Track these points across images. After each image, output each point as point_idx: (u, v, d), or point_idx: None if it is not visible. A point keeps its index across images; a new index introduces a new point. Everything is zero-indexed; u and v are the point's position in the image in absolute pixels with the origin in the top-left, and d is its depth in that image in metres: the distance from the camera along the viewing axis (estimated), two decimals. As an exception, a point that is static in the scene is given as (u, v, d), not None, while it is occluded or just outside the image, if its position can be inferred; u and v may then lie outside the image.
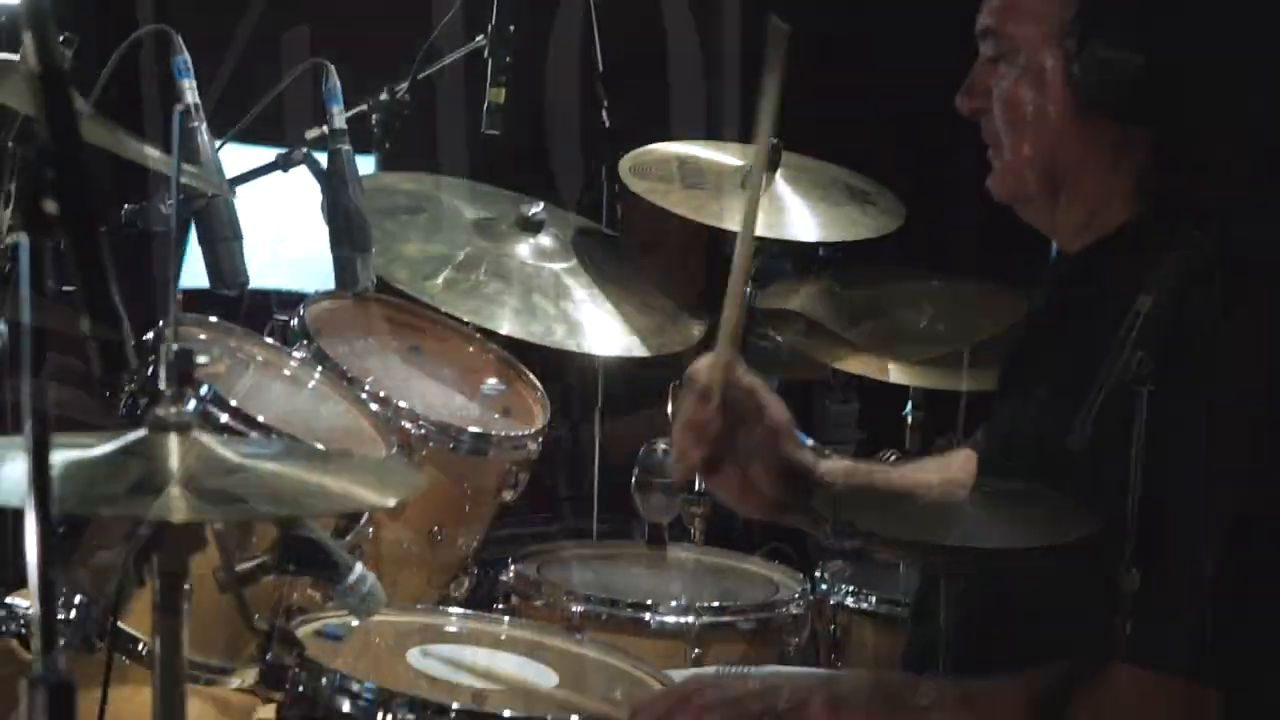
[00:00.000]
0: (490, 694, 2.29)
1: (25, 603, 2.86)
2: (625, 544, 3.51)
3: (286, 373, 2.78)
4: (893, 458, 3.32)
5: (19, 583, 2.76)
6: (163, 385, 1.83)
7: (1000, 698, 1.82)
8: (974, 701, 1.82)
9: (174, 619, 1.83)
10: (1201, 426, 1.82)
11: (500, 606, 3.11)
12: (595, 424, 4.34)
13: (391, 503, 1.83)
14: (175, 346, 1.83)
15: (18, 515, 2.75)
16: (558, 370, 4.40)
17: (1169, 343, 1.79)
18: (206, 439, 1.83)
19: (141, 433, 1.82)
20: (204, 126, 2.73)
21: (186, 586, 1.85)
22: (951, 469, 2.35)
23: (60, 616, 2.66)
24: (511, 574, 3.12)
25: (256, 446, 1.94)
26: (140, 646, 2.50)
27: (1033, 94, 2.02)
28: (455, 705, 2.16)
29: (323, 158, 3.04)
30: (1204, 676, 1.75)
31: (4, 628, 2.56)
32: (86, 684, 2.16)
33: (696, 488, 3.74)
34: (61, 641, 2.75)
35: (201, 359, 1.86)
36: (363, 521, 2.64)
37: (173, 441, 1.81)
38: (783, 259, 5.49)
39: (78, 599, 2.54)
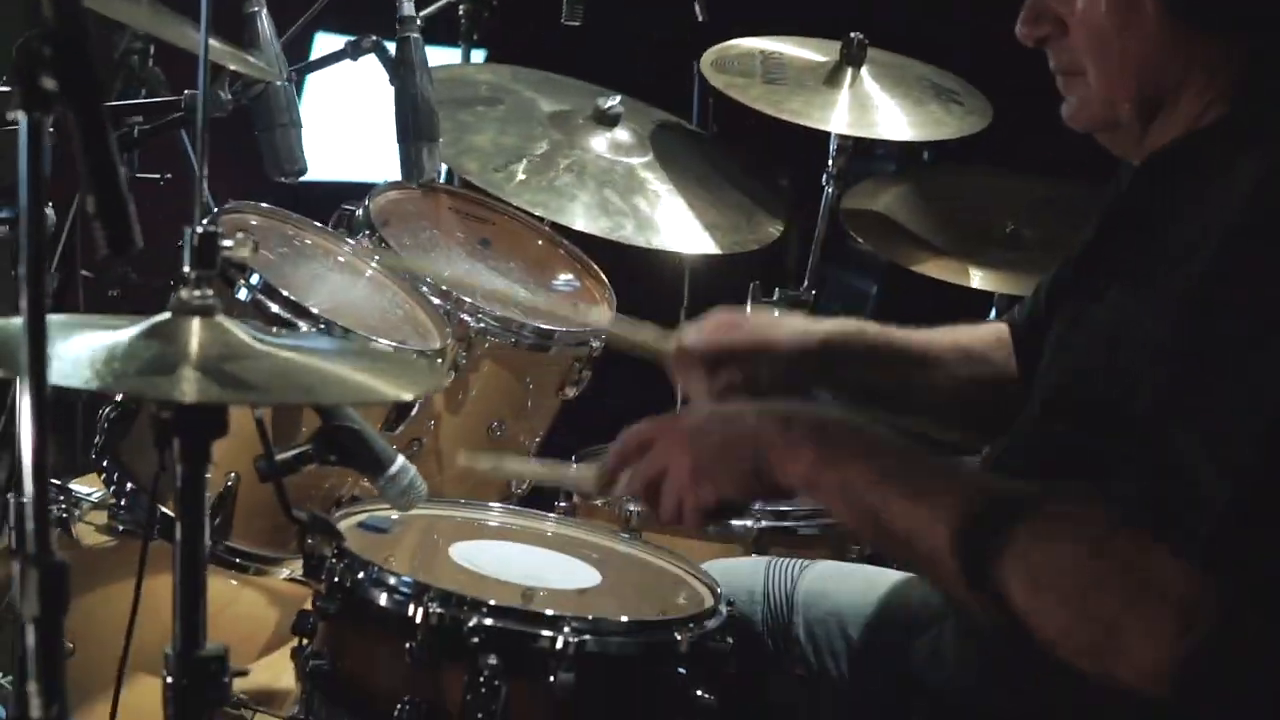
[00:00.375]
0: (527, 592, 2.26)
1: (88, 489, 2.88)
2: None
3: (342, 260, 2.75)
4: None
5: (86, 468, 2.78)
6: (186, 269, 1.81)
7: (1008, 500, 1.71)
8: (979, 492, 1.72)
9: (195, 504, 1.81)
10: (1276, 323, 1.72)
11: (562, 505, 3.09)
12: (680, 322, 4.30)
13: (409, 397, 1.79)
14: (199, 230, 1.80)
15: (84, 401, 2.77)
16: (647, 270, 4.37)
17: (1251, 238, 1.70)
18: (229, 323, 1.81)
19: (165, 315, 1.80)
20: (264, 12, 2.69)
21: (209, 474, 1.82)
22: (973, 332, 2.29)
23: (114, 503, 2.68)
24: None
25: (281, 333, 1.90)
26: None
27: (1118, 10, 1.87)
28: (491, 601, 2.13)
29: (392, 47, 2.99)
30: (1219, 566, 1.64)
31: (67, 513, 2.56)
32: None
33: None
34: (120, 528, 2.80)
35: (226, 242, 1.83)
36: (413, 413, 2.61)
37: (194, 324, 1.79)
38: (886, 160, 5.41)
39: (129, 486, 2.55)
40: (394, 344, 2.52)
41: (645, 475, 1.91)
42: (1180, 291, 1.71)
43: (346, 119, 3.97)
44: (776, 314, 3.31)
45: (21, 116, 1.45)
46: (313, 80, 3.35)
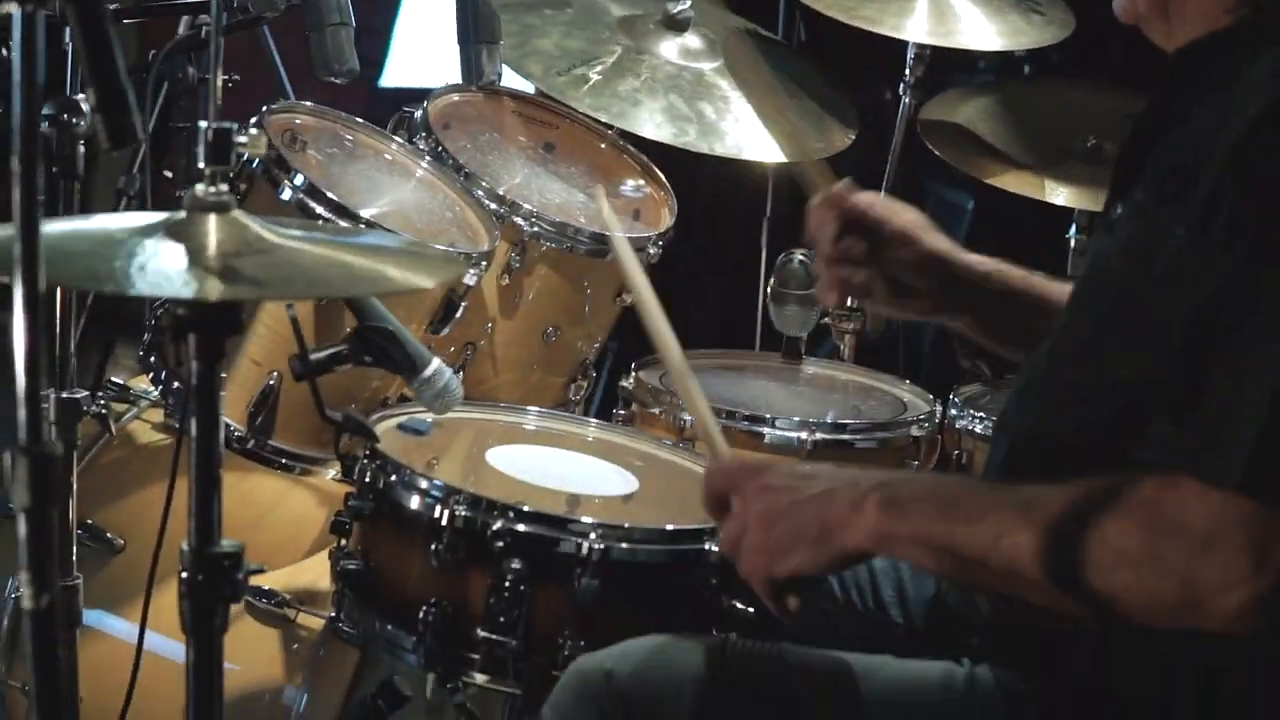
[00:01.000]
0: (571, 498, 2.26)
1: (144, 386, 2.90)
2: (759, 355, 3.43)
3: (389, 159, 2.74)
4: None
5: (143, 369, 2.79)
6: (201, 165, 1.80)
7: (1056, 502, 1.70)
8: (1029, 507, 1.71)
9: (209, 401, 1.81)
10: None
11: (621, 413, 3.07)
12: (763, 232, 4.26)
13: (431, 284, 1.77)
14: (213, 125, 1.79)
15: (150, 305, 2.75)
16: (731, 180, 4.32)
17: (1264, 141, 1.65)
18: (246, 219, 1.80)
19: (181, 213, 1.79)
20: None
21: (224, 374, 1.82)
22: None
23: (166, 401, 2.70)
24: (632, 380, 3.07)
25: (299, 228, 1.89)
26: (226, 430, 2.51)
27: None
28: (525, 506, 2.12)
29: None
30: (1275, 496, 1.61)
31: (106, 409, 2.57)
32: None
33: (848, 303, 3.68)
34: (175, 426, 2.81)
35: (240, 139, 1.82)
36: (459, 315, 2.60)
37: (210, 221, 1.78)
38: (986, 74, 5.31)
39: (175, 385, 2.56)
40: (442, 247, 2.50)
41: (729, 535, 1.88)
42: (1202, 196, 1.67)
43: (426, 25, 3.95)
44: (800, 258, 3.28)
45: (15, 9, 1.44)
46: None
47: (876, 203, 2.25)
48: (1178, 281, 1.72)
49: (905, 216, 2.22)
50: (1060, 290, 2.25)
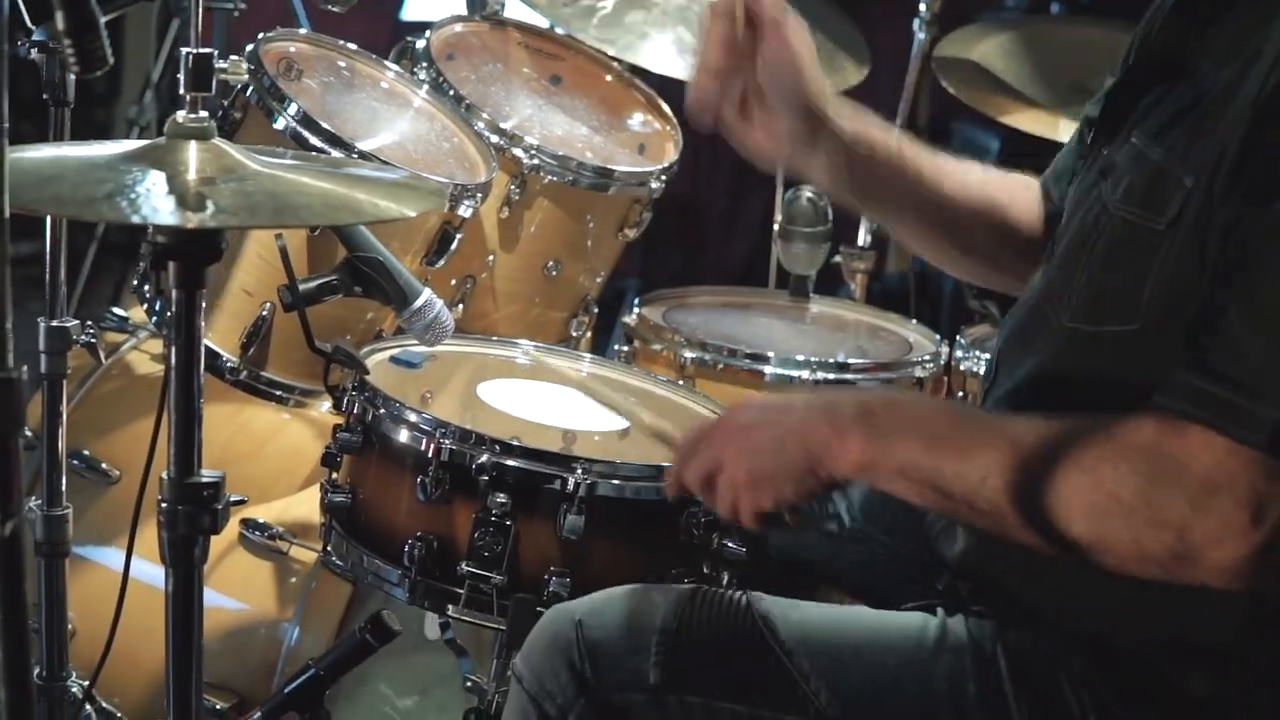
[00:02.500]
0: (568, 434, 2.23)
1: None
2: (766, 293, 3.39)
3: (385, 87, 2.70)
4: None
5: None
6: (182, 91, 1.77)
7: (1047, 442, 1.66)
8: (1017, 446, 1.67)
9: (189, 330, 1.79)
10: None
11: (622, 350, 3.04)
12: (778, 171, 4.22)
13: (412, 214, 1.75)
14: (193, 51, 1.76)
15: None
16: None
17: None
18: (227, 146, 1.78)
19: (160, 140, 1.77)
20: None
21: (204, 302, 1.80)
22: (998, 185, 2.19)
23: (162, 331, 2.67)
24: (635, 316, 3.04)
25: (280, 155, 1.86)
26: (218, 360, 2.49)
27: None
28: (513, 440, 2.10)
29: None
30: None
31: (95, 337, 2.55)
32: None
33: (860, 242, 3.65)
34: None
35: (220, 64, 1.80)
36: (454, 247, 2.57)
37: (190, 148, 1.76)
38: (1015, 12, 5.25)
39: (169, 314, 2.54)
40: (436, 177, 2.47)
41: (698, 473, 1.87)
42: (1234, 120, 1.63)
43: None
44: (810, 194, 3.21)
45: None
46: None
47: (778, 11, 2.06)
48: (1191, 229, 1.69)
49: (796, 40, 2.05)
50: (931, 163, 2.17)
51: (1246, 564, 1.56)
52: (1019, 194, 2.18)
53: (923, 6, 3.68)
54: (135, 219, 1.57)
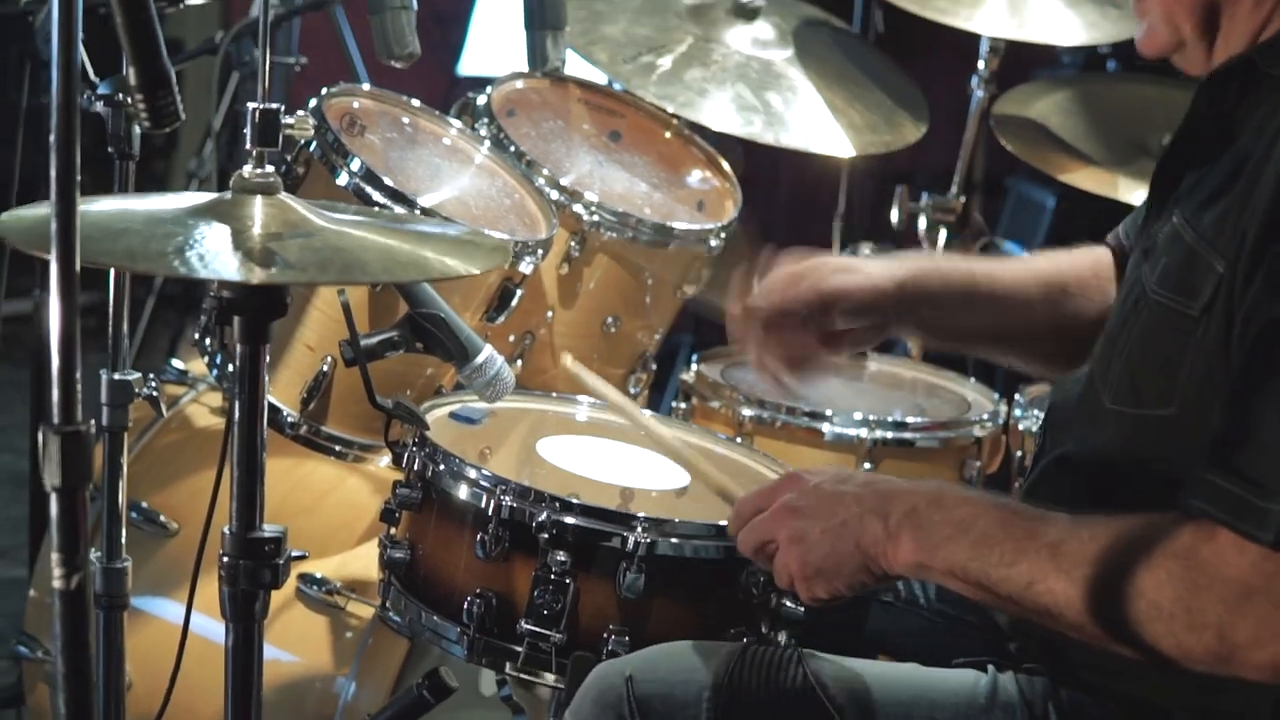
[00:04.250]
0: (625, 491, 2.23)
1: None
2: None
3: (448, 144, 2.71)
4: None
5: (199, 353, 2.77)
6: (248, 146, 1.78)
7: (1088, 548, 1.68)
8: (1060, 554, 1.68)
9: (254, 384, 1.80)
10: None
11: (680, 406, 3.04)
12: (835, 229, 4.22)
13: (476, 271, 1.76)
14: (260, 106, 1.77)
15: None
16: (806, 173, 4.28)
17: None
18: (292, 201, 1.78)
19: (225, 194, 1.78)
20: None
21: (268, 357, 1.81)
22: (1068, 264, 2.20)
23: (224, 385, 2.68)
24: (693, 373, 3.04)
25: (346, 211, 1.87)
26: (279, 415, 2.50)
27: None
28: (573, 499, 2.09)
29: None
30: None
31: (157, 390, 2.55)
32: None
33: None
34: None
35: (287, 120, 1.81)
36: (514, 303, 2.57)
37: (256, 203, 1.77)
38: (1070, 69, 5.24)
39: (230, 368, 2.55)
40: (497, 234, 2.48)
41: (753, 543, 1.92)
42: (1255, 205, 1.63)
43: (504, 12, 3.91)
44: (867, 252, 3.23)
45: (54, -17, 1.42)
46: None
47: (783, 282, 2.26)
48: (1218, 318, 1.68)
49: (816, 275, 2.22)
50: (1008, 279, 2.23)
51: None
52: (1088, 276, 2.20)
53: (981, 64, 3.68)
54: (203, 274, 1.57)
